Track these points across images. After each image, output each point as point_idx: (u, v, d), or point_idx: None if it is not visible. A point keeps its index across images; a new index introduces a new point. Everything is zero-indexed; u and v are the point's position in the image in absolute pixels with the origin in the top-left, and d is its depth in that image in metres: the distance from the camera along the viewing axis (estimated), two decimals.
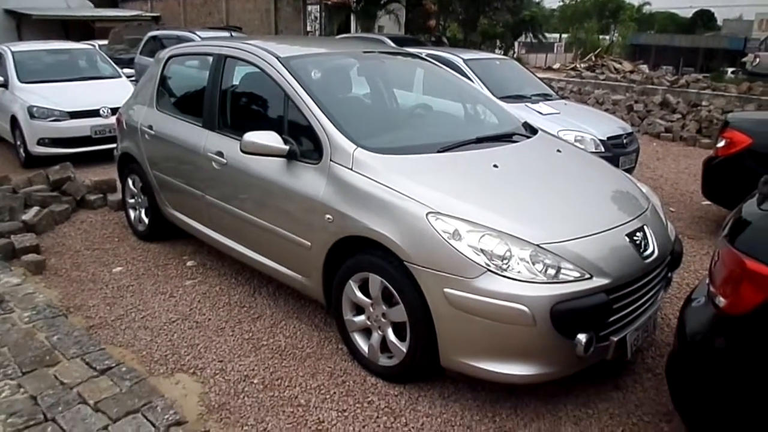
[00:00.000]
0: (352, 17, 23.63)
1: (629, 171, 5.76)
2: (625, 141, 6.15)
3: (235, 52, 3.93)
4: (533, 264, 2.53)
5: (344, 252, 3.03)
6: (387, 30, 22.89)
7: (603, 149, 5.78)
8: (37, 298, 3.76)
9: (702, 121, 10.04)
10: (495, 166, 3.10)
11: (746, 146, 4.90)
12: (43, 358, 3.04)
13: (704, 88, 12.87)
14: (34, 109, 7.36)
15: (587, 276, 2.56)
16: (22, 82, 7.90)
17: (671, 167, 7.98)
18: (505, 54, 25.01)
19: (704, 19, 57.16)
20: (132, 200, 5.00)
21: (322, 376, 3.04)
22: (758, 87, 12.67)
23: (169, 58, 4.66)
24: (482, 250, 2.54)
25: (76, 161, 6.63)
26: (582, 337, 2.51)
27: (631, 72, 18.22)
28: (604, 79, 15.52)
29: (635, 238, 2.80)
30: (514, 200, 2.92)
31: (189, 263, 4.46)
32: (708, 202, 5.76)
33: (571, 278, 2.54)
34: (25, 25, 23.05)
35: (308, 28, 22.85)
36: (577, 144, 5.32)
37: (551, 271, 2.53)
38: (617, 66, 21.47)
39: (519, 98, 6.48)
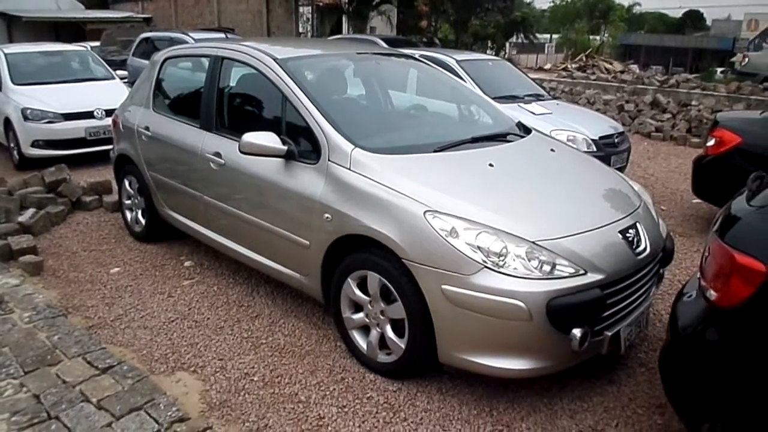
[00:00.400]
0: (344, 18, 23.67)
1: (621, 170, 5.82)
2: (616, 140, 6.23)
3: (231, 54, 3.97)
4: (529, 260, 2.58)
5: (343, 250, 3.08)
6: (379, 31, 22.94)
7: (595, 149, 5.85)
8: (36, 298, 3.78)
9: (692, 121, 10.15)
10: (490, 165, 3.16)
11: (735, 145, 4.99)
12: (45, 358, 3.07)
13: (694, 88, 13.00)
14: (28, 111, 7.35)
15: (582, 272, 2.61)
16: (15, 84, 7.88)
17: (662, 166, 8.07)
18: (497, 54, 25.11)
19: (693, 19, 57.55)
20: (129, 201, 5.02)
21: (322, 373, 3.09)
22: (747, 87, 12.82)
23: (166, 59, 4.69)
24: (479, 248, 2.60)
25: (71, 163, 6.62)
26: (577, 332, 2.56)
27: (622, 72, 18.37)
28: (595, 80, 15.64)
29: (628, 234, 2.86)
30: (509, 198, 2.97)
31: (186, 263, 4.49)
32: (698, 200, 5.84)
33: (566, 274, 2.59)
34: (15, 27, 22.96)
35: (300, 30, 22.87)
36: (570, 143, 5.38)
37: (546, 268, 2.58)
38: (608, 66, 21.63)
39: (511, 99, 6.55)
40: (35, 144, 7.33)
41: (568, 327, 2.56)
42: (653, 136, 10.01)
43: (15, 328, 3.40)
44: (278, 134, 3.29)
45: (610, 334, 2.71)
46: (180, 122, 4.25)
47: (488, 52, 27.34)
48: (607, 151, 5.98)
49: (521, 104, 6.46)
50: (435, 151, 3.24)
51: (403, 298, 2.80)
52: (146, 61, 8.10)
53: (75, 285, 4.12)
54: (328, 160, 3.13)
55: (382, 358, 3.03)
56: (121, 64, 11.63)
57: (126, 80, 9.22)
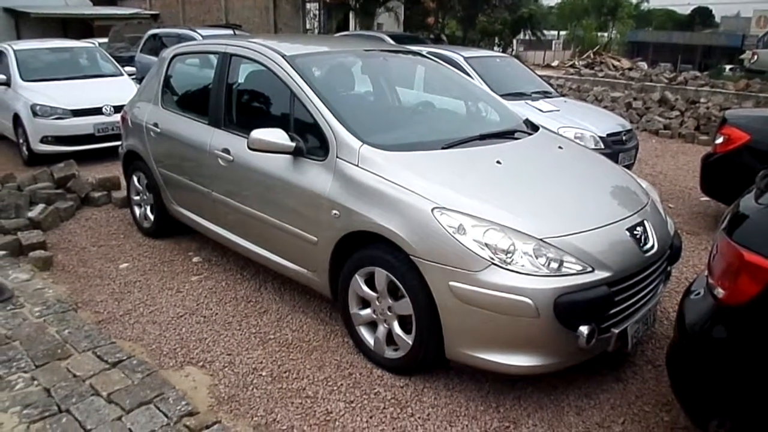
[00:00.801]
0: (351, 15, 23.64)
1: (628, 167, 5.82)
2: (624, 138, 6.22)
3: (240, 51, 3.98)
4: (536, 257, 2.59)
5: (350, 247, 3.09)
6: (386, 27, 22.93)
7: (602, 146, 5.84)
8: (46, 293, 3.82)
9: (700, 118, 10.10)
10: (498, 162, 3.16)
11: (744, 143, 4.96)
12: (55, 352, 3.10)
13: (702, 86, 12.95)
14: (37, 107, 7.40)
15: (589, 269, 2.62)
16: (24, 80, 7.95)
17: (670, 164, 8.04)
18: (504, 51, 25.06)
19: (702, 16, 57.18)
20: (137, 197, 5.05)
21: (329, 368, 3.11)
22: (756, 84, 12.75)
23: (174, 56, 4.71)
24: (487, 244, 2.60)
25: (79, 159, 6.68)
26: (584, 329, 2.57)
27: (630, 69, 18.29)
28: (602, 77, 15.60)
29: (635, 232, 2.86)
30: (517, 195, 2.98)
31: (195, 259, 4.52)
32: (706, 198, 5.82)
33: (574, 271, 2.60)
34: (23, 23, 23.05)
35: (307, 26, 22.86)
36: (577, 141, 5.37)
37: (554, 265, 2.59)
38: (616, 63, 21.54)
39: (519, 96, 6.54)
40: (44, 140, 7.39)
41: (575, 324, 2.57)
42: (661, 133, 9.97)
43: (26, 322, 3.43)
44: (286, 131, 3.31)
45: (617, 331, 2.72)
46: (188, 119, 4.27)
47: (495, 48, 27.27)
48: (615, 148, 5.96)
49: (529, 101, 6.45)
50: (443, 148, 3.25)
51: (411, 294, 2.81)
52: (154, 58, 8.16)
53: (84, 280, 4.15)
54: (336, 156, 3.15)
55: (389, 354, 3.04)
56: (129, 61, 11.64)
57: (134, 77, 9.24)
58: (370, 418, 2.73)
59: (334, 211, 3.08)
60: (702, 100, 11.41)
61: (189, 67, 4.80)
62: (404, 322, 2.94)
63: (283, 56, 3.62)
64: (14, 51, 8.35)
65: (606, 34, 45.17)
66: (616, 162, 4.98)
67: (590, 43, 36.13)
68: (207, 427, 2.57)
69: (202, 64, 4.67)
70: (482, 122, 4.16)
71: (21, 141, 7.71)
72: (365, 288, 3.06)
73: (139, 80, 8.55)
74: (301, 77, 3.45)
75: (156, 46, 11.43)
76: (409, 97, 4.51)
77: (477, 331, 2.67)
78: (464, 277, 2.60)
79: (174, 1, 26.06)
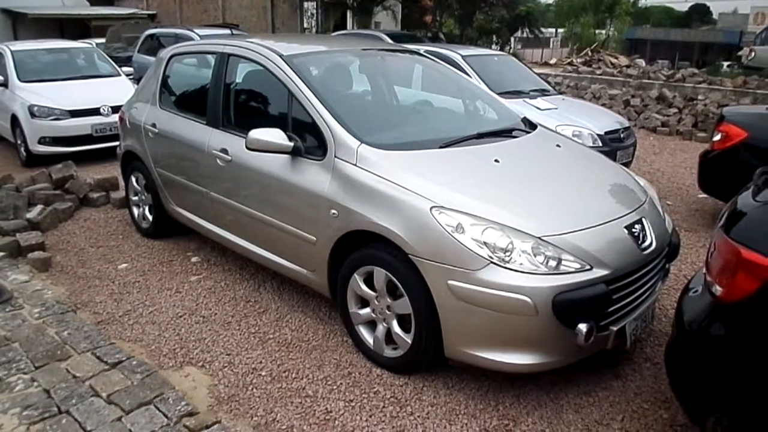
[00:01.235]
0: (349, 14, 23.63)
1: (626, 165, 5.83)
2: (622, 135, 6.22)
3: (237, 51, 3.98)
4: (535, 256, 2.59)
5: (349, 246, 3.10)
6: (384, 26, 22.89)
7: (600, 144, 5.84)
8: (45, 294, 3.82)
9: (698, 115, 10.12)
10: (496, 160, 3.17)
11: (742, 140, 4.97)
12: (55, 353, 3.10)
13: (700, 83, 12.95)
14: (35, 108, 7.40)
15: (587, 267, 2.62)
16: (22, 81, 7.94)
17: (668, 161, 8.05)
18: (502, 49, 25.04)
19: (700, 12, 57.24)
20: (135, 198, 5.05)
21: (329, 367, 3.11)
22: (754, 81, 12.76)
23: (172, 56, 4.71)
24: (485, 243, 2.61)
25: (77, 159, 6.68)
26: (582, 327, 2.57)
27: (628, 67, 18.29)
28: (600, 74, 15.59)
29: (634, 230, 2.87)
30: (515, 194, 2.98)
31: (193, 259, 4.52)
32: (704, 195, 5.83)
33: (572, 269, 2.61)
34: (20, 23, 23.05)
35: (305, 25, 22.85)
36: (575, 139, 5.37)
37: (552, 263, 2.59)
38: (613, 61, 21.54)
39: (517, 94, 6.55)
40: (42, 141, 7.39)
41: (573, 322, 2.58)
42: (659, 130, 9.98)
43: (25, 323, 3.43)
44: (284, 130, 3.31)
45: (615, 329, 2.73)
46: (186, 119, 4.27)
47: (493, 46, 27.24)
48: (613, 146, 5.97)
49: (527, 99, 6.46)
50: (441, 147, 3.25)
51: (410, 293, 2.81)
52: (151, 58, 8.15)
53: (83, 281, 4.15)
54: (335, 156, 3.15)
55: (388, 352, 3.05)
56: (126, 61, 11.65)
57: (131, 77, 9.24)
58: (370, 416, 2.73)
59: (333, 211, 3.09)
60: (700, 97, 11.42)
61: (187, 68, 4.79)
62: (403, 321, 2.95)
63: (281, 56, 3.62)
64: (11, 52, 8.34)
65: (604, 32, 45.20)
66: (614, 159, 4.98)
67: (588, 41, 36.17)
68: (207, 427, 2.58)
69: (200, 64, 4.67)
70: (480, 121, 4.16)
71: (19, 142, 7.71)
72: (364, 287, 3.07)
73: (136, 80, 8.55)
74: (298, 77, 3.46)
75: (153, 46, 11.42)
76: (407, 96, 4.52)
77: (476, 329, 2.67)
78: (463, 275, 2.61)
79: (171, 1, 26.05)
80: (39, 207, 5.25)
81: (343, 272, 3.15)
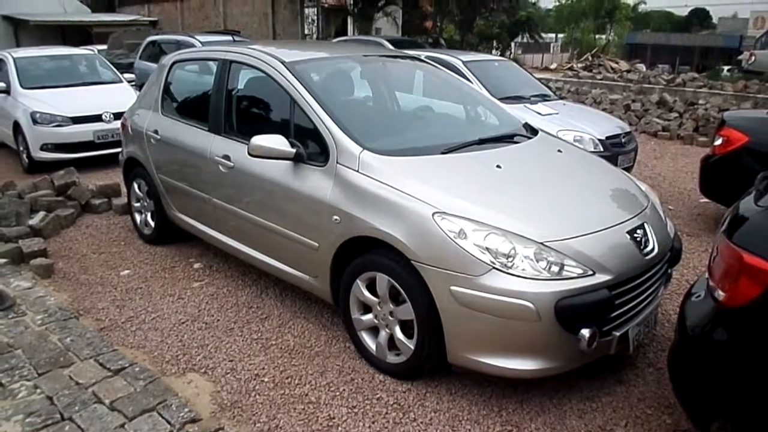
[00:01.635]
0: (349, 20, 23.71)
1: (628, 170, 5.84)
2: (623, 140, 6.23)
3: (239, 57, 3.99)
4: (537, 261, 2.60)
5: (351, 252, 3.10)
6: (384, 32, 22.96)
7: (602, 149, 5.85)
8: (48, 301, 3.82)
9: (699, 120, 10.13)
10: (498, 166, 3.17)
11: (743, 144, 4.98)
12: (58, 360, 3.10)
13: (701, 87, 12.97)
14: (37, 114, 7.42)
15: (590, 272, 2.63)
16: (24, 87, 7.95)
17: (669, 166, 8.06)
18: (502, 55, 25.11)
19: (700, 17, 57.31)
20: (137, 204, 5.06)
21: (331, 373, 3.11)
22: (754, 85, 12.78)
23: (174, 63, 4.73)
24: (487, 249, 2.61)
25: (79, 166, 6.68)
26: (585, 332, 2.57)
27: (628, 71, 18.31)
28: (601, 79, 15.62)
29: (636, 235, 2.87)
30: (517, 200, 2.98)
31: (196, 265, 4.53)
32: (706, 200, 5.83)
33: (575, 275, 2.61)
34: (22, 30, 23.14)
35: (306, 31, 22.92)
36: (576, 144, 5.38)
37: (555, 268, 2.59)
38: (614, 65, 21.57)
39: (518, 99, 6.55)
40: (44, 147, 7.40)
41: (576, 327, 2.58)
42: (660, 135, 10.00)
43: (28, 330, 3.44)
44: (287, 137, 3.32)
45: (618, 334, 2.73)
46: (189, 125, 4.29)
47: (494, 52, 27.32)
48: (614, 151, 5.97)
49: (528, 105, 6.46)
50: (442, 153, 3.26)
51: (412, 299, 2.82)
52: (153, 64, 8.18)
53: (86, 287, 4.16)
54: (337, 162, 3.16)
55: (391, 358, 3.05)
56: (128, 67, 11.66)
57: (133, 83, 9.26)
58: (373, 423, 2.73)
59: (335, 217, 3.09)
60: (700, 101, 11.43)
61: (189, 74, 4.81)
62: (406, 327, 2.95)
63: (283, 62, 3.64)
64: (14, 59, 8.36)
65: (604, 37, 45.27)
66: (616, 164, 5.00)
67: (588, 46, 36.20)
68: None
69: (202, 70, 4.68)
70: (482, 126, 4.17)
71: (21, 149, 7.72)
72: (366, 293, 3.07)
73: (138, 87, 8.57)
74: (300, 83, 3.47)
75: (155, 52, 11.46)
76: (408, 102, 4.53)
77: (478, 335, 2.67)
78: (465, 281, 2.61)
79: (173, 8, 26.17)
80: (41, 213, 5.26)
81: (346, 278, 3.15)
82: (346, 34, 22.48)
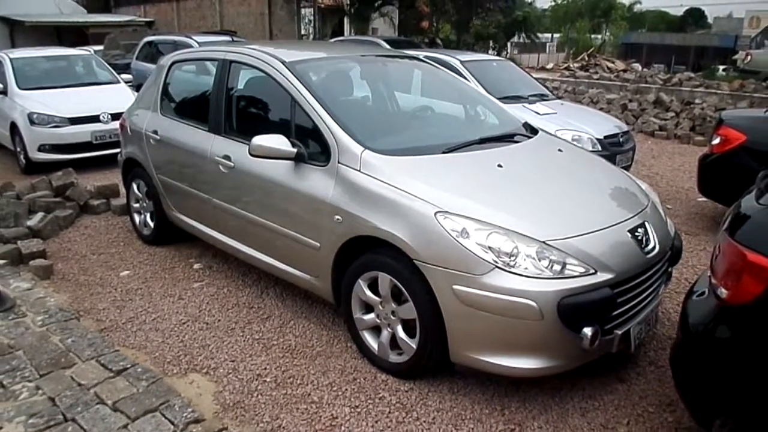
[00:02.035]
0: (346, 20, 23.71)
1: (626, 169, 5.83)
2: (621, 139, 6.25)
3: (239, 57, 3.99)
4: (539, 260, 2.60)
5: (353, 252, 3.10)
6: (380, 32, 22.98)
7: (600, 148, 5.87)
8: (48, 302, 3.81)
9: (695, 119, 10.16)
10: (499, 165, 3.18)
11: (740, 143, 5.00)
12: (59, 361, 3.10)
13: (697, 86, 13.02)
14: (35, 115, 7.39)
15: (592, 271, 2.63)
16: (21, 88, 7.92)
17: (666, 165, 8.08)
18: (499, 54, 25.12)
19: (695, 17, 57.53)
20: (137, 204, 5.05)
21: (333, 373, 3.11)
22: (750, 84, 12.84)
23: (173, 63, 4.72)
24: (490, 248, 2.62)
25: (77, 167, 6.65)
26: (587, 331, 2.58)
27: (624, 71, 18.40)
28: (597, 79, 15.67)
29: (637, 234, 2.88)
30: (519, 199, 2.99)
31: (196, 266, 4.52)
32: (704, 199, 5.85)
33: (577, 273, 2.61)
34: (17, 31, 23.05)
35: (302, 32, 22.91)
36: (575, 143, 5.39)
37: (557, 267, 2.60)
38: (610, 65, 21.66)
39: (516, 99, 6.56)
40: (42, 148, 7.37)
41: (578, 326, 2.59)
42: (657, 134, 10.03)
43: (28, 331, 3.43)
44: (287, 137, 3.32)
45: (620, 332, 2.74)
46: (188, 126, 4.28)
47: (490, 52, 27.33)
48: (613, 150, 5.99)
49: (526, 104, 6.48)
50: (443, 153, 3.27)
51: (414, 298, 2.82)
52: (150, 65, 8.17)
53: (85, 288, 4.15)
54: (338, 162, 3.16)
55: (393, 358, 3.05)
56: (124, 68, 11.65)
57: (130, 84, 9.23)
58: (376, 422, 2.73)
59: (337, 217, 3.09)
60: (697, 101, 11.47)
61: (188, 74, 4.81)
62: (408, 327, 2.95)
63: (283, 62, 3.64)
64: (10, 59, 8.33)
65: (600, 36, 45.35)
66: (614, 164, 5.00)
67: (584, 46, 36.25)
68: None
69: (201, 71, 4.68)
70: (482, 126, 4.18)
71: (18, 150, 7.69)
72: (368, 293, 3.07)
73: (135, 87, 8.56)
74: (301, 83, 3.47)
75: (152, 53, 11.44)
76: (408, 102, 4.53)
77: (481, 334, 2.68)
78: (468, 280, 2.61)
79: (169, 8, 26.10)
80: (40, 214, 5.24)
81: (348, 278, 3.15)
82: (342, 34, 22.49)
